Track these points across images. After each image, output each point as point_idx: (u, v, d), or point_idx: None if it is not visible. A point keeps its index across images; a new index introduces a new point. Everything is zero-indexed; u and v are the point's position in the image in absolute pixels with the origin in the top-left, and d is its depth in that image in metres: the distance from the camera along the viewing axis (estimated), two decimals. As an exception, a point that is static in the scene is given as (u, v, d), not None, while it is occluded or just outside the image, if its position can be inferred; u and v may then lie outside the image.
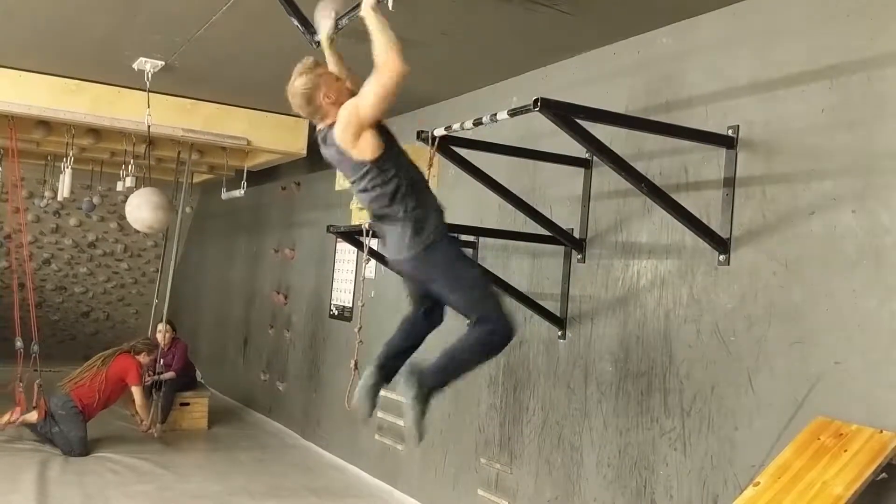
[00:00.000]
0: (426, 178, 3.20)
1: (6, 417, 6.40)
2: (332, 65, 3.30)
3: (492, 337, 3.11)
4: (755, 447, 3.13)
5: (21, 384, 6.41)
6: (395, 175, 3.03)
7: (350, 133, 2.99)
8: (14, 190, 9.17)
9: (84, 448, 6.32)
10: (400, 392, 3.00)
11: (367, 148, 3.00)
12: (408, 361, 3.17)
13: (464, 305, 3.17)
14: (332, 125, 3.06)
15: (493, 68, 4.72)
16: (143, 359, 6.85)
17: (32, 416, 6.39)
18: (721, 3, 3.49)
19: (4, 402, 6.61)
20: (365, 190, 3.11)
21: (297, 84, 3.06)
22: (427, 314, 3.29)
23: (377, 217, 3.17)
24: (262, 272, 8.74)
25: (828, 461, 2.66)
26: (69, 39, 4.90)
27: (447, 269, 3.13)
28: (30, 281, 6.77)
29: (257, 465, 6.38)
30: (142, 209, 5.94)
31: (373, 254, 4.47)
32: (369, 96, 2.92)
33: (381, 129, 3.05)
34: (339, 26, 3.29)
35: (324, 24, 3.34)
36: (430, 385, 3.01)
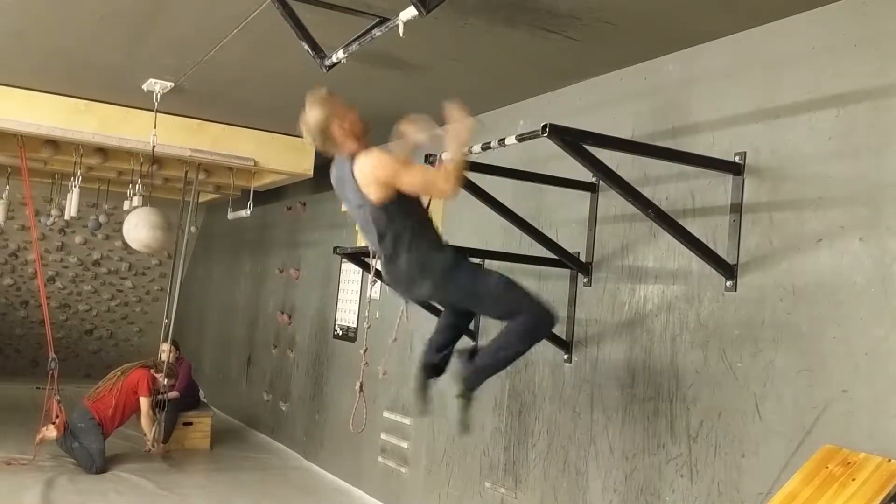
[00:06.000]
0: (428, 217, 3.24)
1: (43, 434, 6.36)
2: None
3: (529, 326, 3.18)
4: (763, 475, 3.11)
5: (59, 400, 6.32)
6: (397, 221, 3.06)
7: (375, 182, 3.01)
8: (21, 208, 9.22)
9: (103, 461, 6.34)
10: (446, 387, 3.15)
11: (381, 196, 3.04)
12: (455, 359, 3.24)
13: (497, 315, 3.32)
14: (352, 156, 3.07)
15: (500, 92, 4.75)
16: (161, 377, 6.87)
17: (52, 433, 6.38)
18: (727, 32, 3.51)
19: (13, 421, 6.58)
20: (366, 223, 3.18)
21: (312, 116, 3.07)
22: (461, 313, 3.44)
23: (378, 253, 3.26)
24: (267, 292, 8.75)
25: (836, 490, 2.64)
26: (80, 61, 4.94)
27: (466, 290, 3.21)
28: (43, 297, 6.76)
29: (259, 486, 6.36)
30: (139, 228, 5.91)
31: (379, 275, 4.48)
32: (414, 180, 3.01)
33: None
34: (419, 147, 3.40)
35: (411, 136, 3.33)
36: (473, 385, 3.17)
